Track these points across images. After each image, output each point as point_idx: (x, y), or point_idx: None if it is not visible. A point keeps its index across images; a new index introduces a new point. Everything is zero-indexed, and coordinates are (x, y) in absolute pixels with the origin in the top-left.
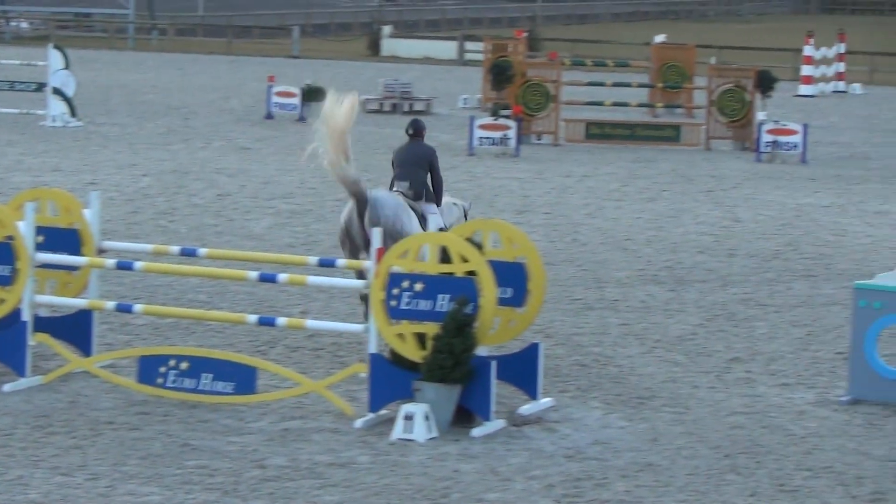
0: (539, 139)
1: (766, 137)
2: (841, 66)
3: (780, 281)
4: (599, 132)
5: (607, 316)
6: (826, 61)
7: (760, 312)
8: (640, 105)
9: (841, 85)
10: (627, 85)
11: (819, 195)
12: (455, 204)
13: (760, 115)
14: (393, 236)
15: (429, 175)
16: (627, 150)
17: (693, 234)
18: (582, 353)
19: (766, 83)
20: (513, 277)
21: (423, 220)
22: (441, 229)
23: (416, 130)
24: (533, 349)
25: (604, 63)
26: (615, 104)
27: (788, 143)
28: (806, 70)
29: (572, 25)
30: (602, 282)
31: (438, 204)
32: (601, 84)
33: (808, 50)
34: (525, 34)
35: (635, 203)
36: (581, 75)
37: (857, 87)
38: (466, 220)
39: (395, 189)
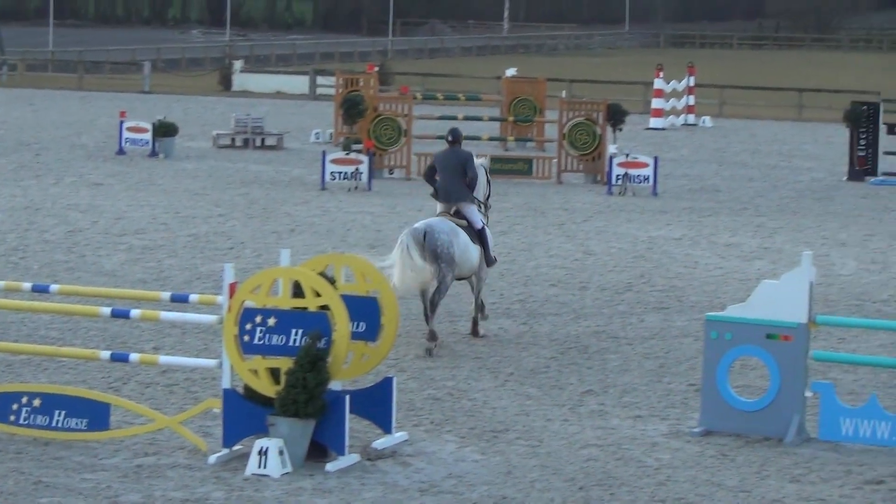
0: (391, 173)
1: (618, 170)
2: (691, 100)
3: (633, 313)
4: None
5: (460, 349)
6: (676, 94)
7: (613, 345)
8: (492, 139)
9: (691, 118)
10: (479, 119)
11: (670, 228)
12: (480, 164)
13: (611, 149)
14: (448, 259)
15: (465, 175)
16: None
17: (545, 268)
18: (435, 386)
19: (616, 116)
20: (366, 312)
21: (471, 230)
22: (482, 228)
23: (455, 138)
24: (386, 383)
25: (455, 97)
26: (466, 138)
27: (639, 175)
28: (656, 103)
29: (423, 60)
30: (455, 315)
31: (472, 193)
32: (453, 118)
33: (658, 83)
34: (376, 68)
35: None
36: (432, 109)
37: (707, 120)
38: (488, 178)
39: (439, 211)
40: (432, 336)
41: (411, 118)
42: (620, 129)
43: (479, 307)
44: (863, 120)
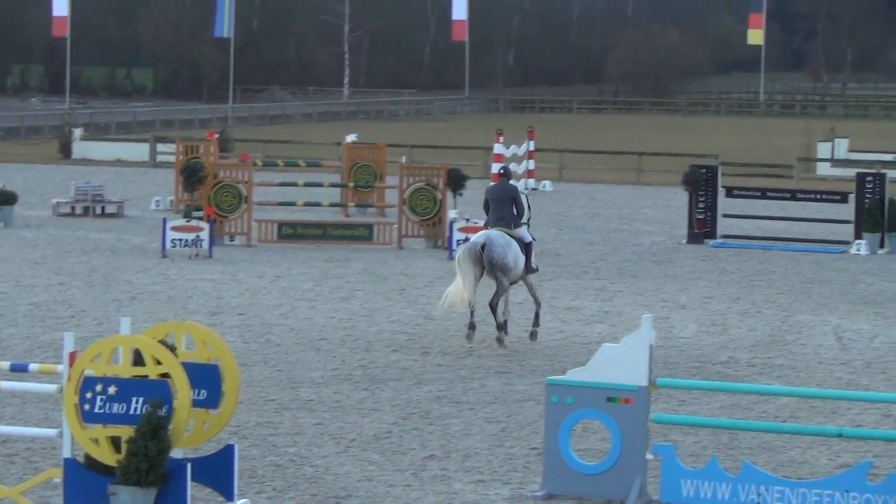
0: (232, 240)
1: (458, 235)
2: (531, 164)
3: (474, 378)
4: (292, 232)
5: (302, 416)
6: (516, 159)
7: (455, 410)
8: (332, 205)
9: (531, 182)
10: (319, 185)
11: (512, 292)
12: (522, 192)
13: (452, 213)
14: (503, 268)
15: (514, 205)
16: (320, 249)
17: (387, 333)
18: (277, 453)
19: (456, 181)
20: (207, 379)
21: (521, 242)
22: (530, 242)
23: (506, 173)
24: (228, 451)
25: (295, 163)
26: (307, 204)
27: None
28: (496, 168)
29: (264, 126)
30: (296, 382)
31: (521, 222)
32: (293, 184)
33: (498, 148)
34: (216, 135)
35: (329, 303)
36: (273, 176)
37: (547, 185)
38: (528, 203)
39: (494, 226)
40: (500, 328)
41: (252, 185)
42: (461, 194)
43: (537, 303)
44: (702, 183)
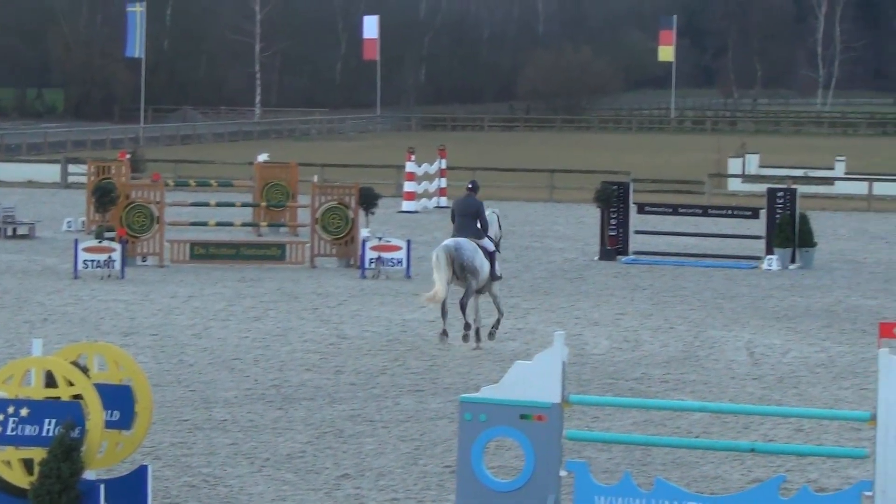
0: (144, 261)
1: (371, 254)
2: (443, 182)
3: (388, 396)
4: (204, 252)
5: (216, 436)
6: (428, 177)
7: (369, 428)
8: (245, 224)
9: (443, 200)
10: (231, 205)
11: (424, 310)
12: (493, 212)
13: (364, 232)
14: (472, 269)
15: (478, 220)
16: (233, 269)
17: (300, 352)
18: (191, 473)
19: (368, 200)
20: (119, 400)
21: (484, 250)
22: (493, 252)
23: (474, 187)
24: (141, 471)
25: (207, 183)
26: (219, 224)
27: (392, 259)
28: (408, 186)
29: (175, 146)
30: (210, 402)
31: (485, 236)
32: (205, 204)
33: (409, 166)
34: (128, 156)
35: (242, 322)
36: (185, 195)
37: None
38: (500, 223)
39: (461, 235)
40: (467, 326)
41: (163, 205)
42: (373, 213)
43: (500, 312)
44: (613, 199)
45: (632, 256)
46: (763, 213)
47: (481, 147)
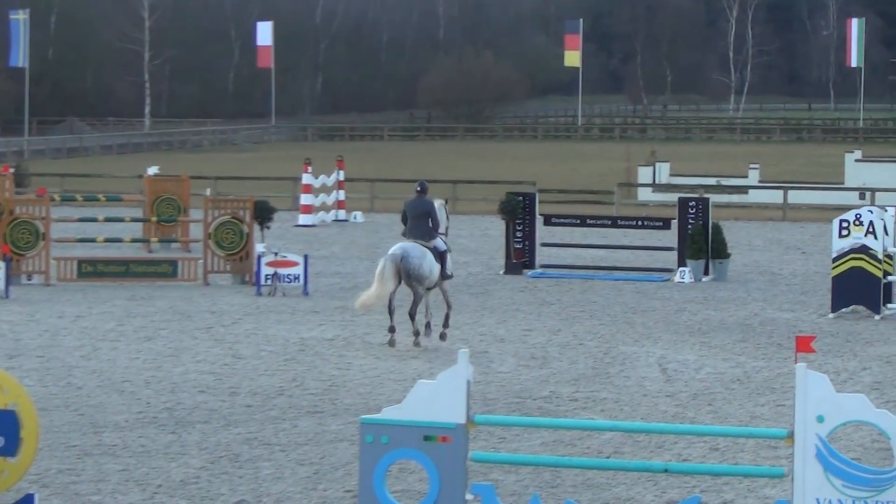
0: (30, 279)
1: (266, 270)
2: (341, 194)
3: (285, 419)
4: (92, 270)
5: (105, 462)
6: (326, 189)
7: (266, 452)
8: (135, 240)
9: (342, 213)
10: (120, 220)
11: (323, 328)
12: (443, 206)
13: (259, 247)
14: (418, 278)
15: (430, 219)
16: (123, 287)
17: (193, 374)
18: (80, 501)
19: (263, 214)
20: (4, 426)
21: (435, 251)
22: (444, 251)
23: (423, 189)
24: (28, 500)
25: (95, 198)
26: (108, 240)
27: (289, 275)
28: (305, 199)
29: (61, 159)
30: (99, 426)
31: (436, 235)
32: (93, 220)
33: (306, 178)
34: (11, 170)
35: (132, 343)
36: (72, 211)
37: (358, 216)
38: (447, 213)
39: (410, 238)
40: (416, 333)
41: (49, 221)
42: (268, 227)
43: (448, 306)
44: (519, 211)
45: (539, 270)
46: (674, 223)
47: (381, 157)
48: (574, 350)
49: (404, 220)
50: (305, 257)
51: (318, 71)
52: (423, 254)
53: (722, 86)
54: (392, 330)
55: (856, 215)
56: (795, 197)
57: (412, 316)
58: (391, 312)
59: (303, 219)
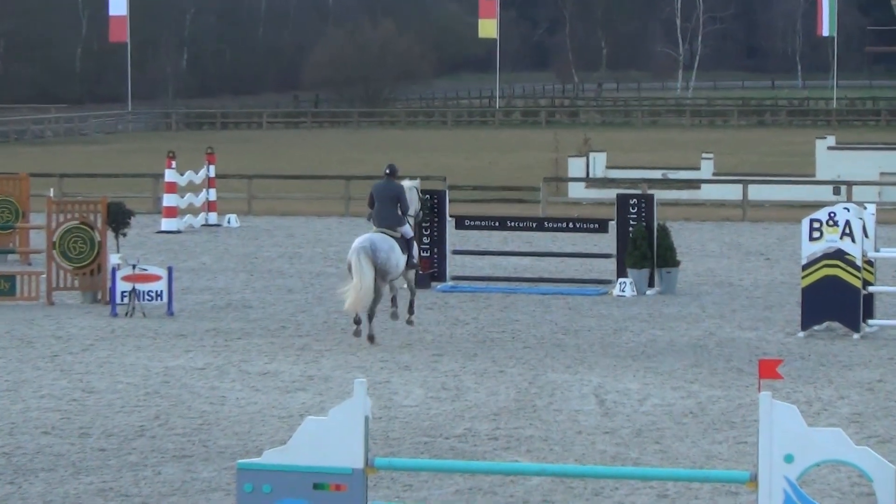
0: None
1: (123, 286)
2: (212, 194)
3: (147, 464)
4: None
5: None
6: (194, 188)
7: None
8: None
9: (213, 217)
10: None
11: (191, 355)
12: (414, 187)
13: (114, 259)
14: (383, 273)
15: (399, 204)
16: None
17: (35, 411)
18: None
19: (119, 218)
20: None
21: (402, 241)
22: (411, 238)
23: (392, 172)
24: None
25: None
26: None
27: (150, 291)
28: (168, 200)
29: None
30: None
31: (405, 221)
32: None
33: (170, 175)
34: None
35: None
36: None
37: (232, 219)
38: (419, 196)
39: (378, 228)
40: (371, 339)
41: None
42: (124, 234)
43: (412, 292)
44: (426, 212)
45: (450, 283)
46: (612, 225)
47: (260, 149)
48: (493, 379)
49: (371, 205)
50: (170, 270)
51: (183, 47)
52: (391, 247)
53: (668, 60)
54: (358, 322)
55: (829, 214)
56: (757, 192)
57: (370, 316)
58: (367, 318)
59: (166, 224)
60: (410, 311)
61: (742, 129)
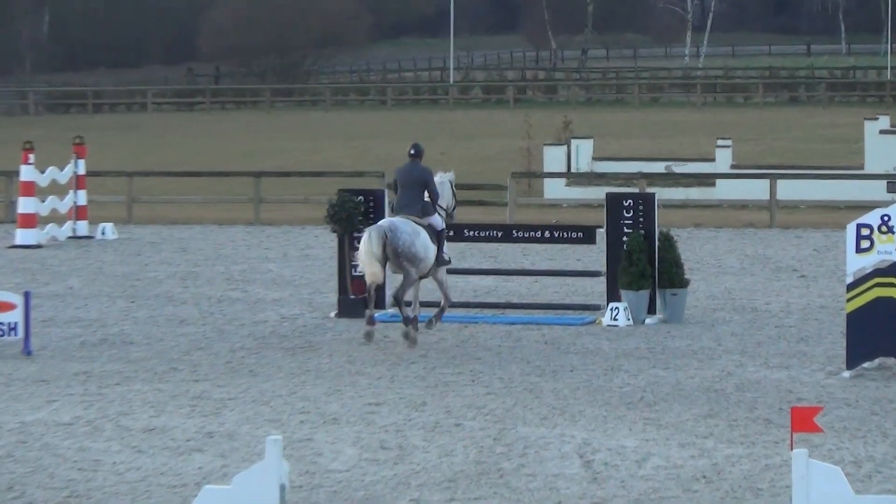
0: None
1: None
2: (81, 197)
3: None
4: None
5: None
6: (58, 189)
7: None
8: None
9: (82, 226)
10: None
11: (55, 407)
12: (447, 177)
13: None
14: (411, 258)
15: (426, 190)
16: None
17: None
18: None
19: None
20: None
21: (431, 230)
22: (442, 230)
23: (417, 152)
24: None
25: None
26: None
27: (1, 324)
28: (25, 205)
29: None
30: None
31: (434, 210)
32: None
33: (26, 172)
34: None
35: None
36: None
37: (108, 229)
38: (453, 190)
39: (399, 213)
40: (407, 321)
41: None
42: None
43: (447, 299)
44: (358, 218)
45: (389, 311)
46: (601, 233)
47: (144, 138)
48: (448, 434)
49: (394, 190)
50: (26, 296)
51: (43, 6)
52: (416, 230)
53: (673, 20)
54: (371, 322)
55: (883, 217)
56: (789, 190)
57: (399, 301)
58: (370, 299)
59: (22, 236)
60: (438, 316)
61: (769, 108)
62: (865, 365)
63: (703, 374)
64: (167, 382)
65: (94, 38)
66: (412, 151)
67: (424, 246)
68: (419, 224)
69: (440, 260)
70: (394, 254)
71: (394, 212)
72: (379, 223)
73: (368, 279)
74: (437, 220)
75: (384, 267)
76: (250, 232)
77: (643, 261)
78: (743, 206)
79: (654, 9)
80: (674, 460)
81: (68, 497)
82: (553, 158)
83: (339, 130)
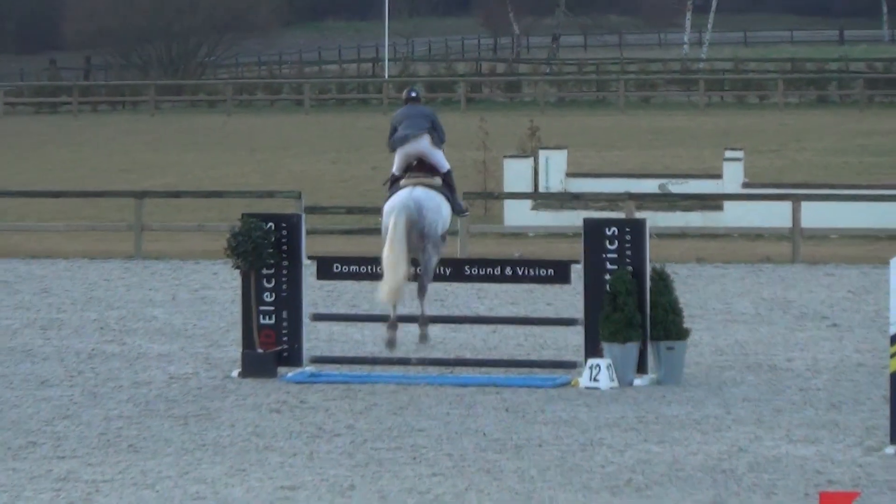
0: None
1: None
2: None
3: None
4: None
5: None
6: None
7: None
8: None
9: None
10: None
11: None
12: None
13: None
14: (434, 241)
15: (430, 124)
16: None
17: None
18: None
19: None
20: None
21: (444, 189)
22: (448, 171)
23: (417, 95)
24: None
25: None
26: None
27: None
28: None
29: None
30: None
31: (440, 143)
32: None
33: None
34: None
35: None
36: None
37: None
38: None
39: (410, 133)
40: (424, 321)
41: None
42: None
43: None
44: (268, 251)
45: (308, 368)
46: (578, 270)
47: None
48: None
49: (394, 131)
50: None
51: None
52: (438, 206)
53: (668, 1)
54: (393, 327)
55: None
56: (816, 215)
57: (423, 291)
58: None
59: None
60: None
61: (791, 111)
62: None
63: (707, 449)
64: (24, 461)
65: None
66: (412, 94)
67: (444, 223)
68: (434, 187)
69: (457, 210)
70: (418, 236)
71: (396, 143)
72: (401, 198)
73: (387, 296)
74: (443, 161)
75: (409, 259)
76: (130, 268)
77: (631, 305)
78: (758, 235)
79: None
80: None
81: None
82: (516, 174)
83: (244, 139)
